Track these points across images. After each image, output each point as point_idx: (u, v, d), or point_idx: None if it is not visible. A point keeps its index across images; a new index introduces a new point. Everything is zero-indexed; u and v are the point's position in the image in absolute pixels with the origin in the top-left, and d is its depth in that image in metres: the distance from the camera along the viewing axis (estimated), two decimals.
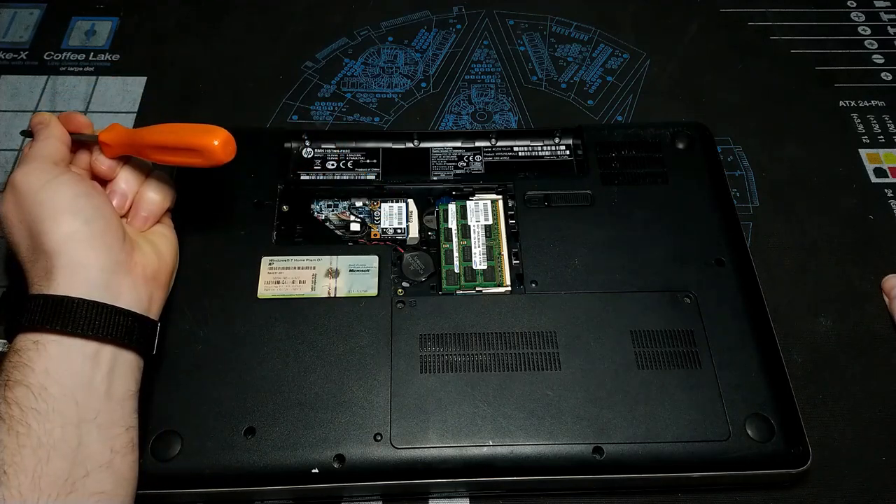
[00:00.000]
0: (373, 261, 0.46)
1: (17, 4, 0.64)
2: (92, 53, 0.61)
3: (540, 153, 0.53)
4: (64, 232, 0.37)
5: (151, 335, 0.38)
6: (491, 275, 0.46)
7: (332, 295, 0.44)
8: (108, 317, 0.36)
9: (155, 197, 0.43)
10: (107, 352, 0.36)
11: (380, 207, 0.49)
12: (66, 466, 0.33)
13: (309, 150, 0.52)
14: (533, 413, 0.40)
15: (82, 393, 0.34)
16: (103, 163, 0.42)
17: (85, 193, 0.39)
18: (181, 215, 0.47)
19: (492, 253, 0.47)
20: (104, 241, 0.37)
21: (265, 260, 0.45)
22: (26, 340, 0.34)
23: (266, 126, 0.57)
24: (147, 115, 0.57)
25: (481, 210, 0.49)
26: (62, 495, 0.32)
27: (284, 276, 0.45)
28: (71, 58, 0.61)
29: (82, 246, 0.37)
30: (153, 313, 0.39)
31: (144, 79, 0.60)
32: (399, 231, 0.48)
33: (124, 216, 0.42)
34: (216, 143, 0.39)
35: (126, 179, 0.43)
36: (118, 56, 0.61)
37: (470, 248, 0.47)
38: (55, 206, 0.37)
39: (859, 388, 0.45)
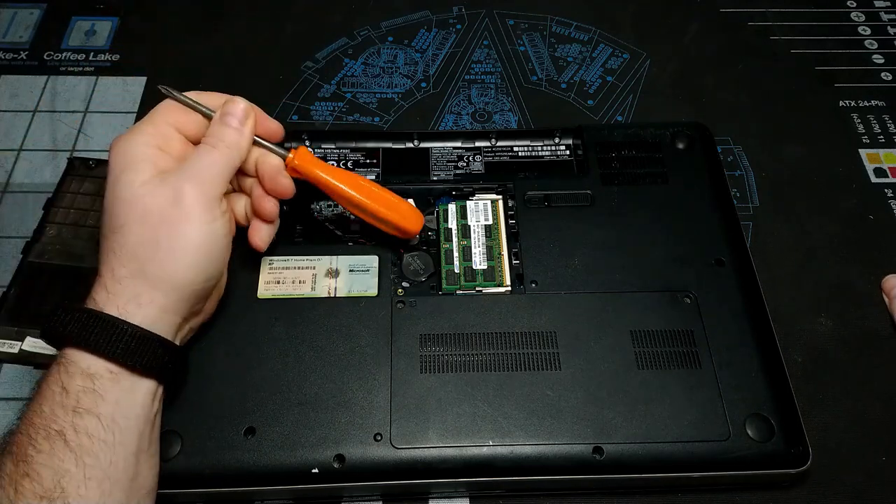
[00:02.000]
0: (373, 261, 0.46)
1: (17, 4, 0.64)
2: (92, 53, 0.61)
3: (540, 153, 0.53)
4: (181, 280, 0.36)
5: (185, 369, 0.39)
6: (491, 275, 0.46)
7: (332, 295, 0.44)
8: (172, 359, 0.36)
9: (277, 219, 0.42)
10: (161, 389, 0.36)
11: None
12: (124, 498, 0.33)
13: (309, 149, 0.52)
14: (533, 413, 0.40)
15: (144, 426, 0.35)
16: (286, 187, 0.40)
17: (221, 250, 0.37)
18: None
19: (492, 253, 0.47)
20: (199, 295, 0.37)
21: (265, 260, 0.45)
22: (100, 367, 0.34)
23: None
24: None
25: (481, 210, 0.49)
26: None
27: (284, 276, 0.45)
28: (71, 58, 0.61)
29: (178, 296, 0.36)
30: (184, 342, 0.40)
31: (144, 79, 0.60)
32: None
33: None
34: (413, 230, 0.44)
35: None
36: (118, 56, 0.61)
37: (470, 248, 0.47)
38: (190, 253, 0.36)
39: (859, 388, 0.45)
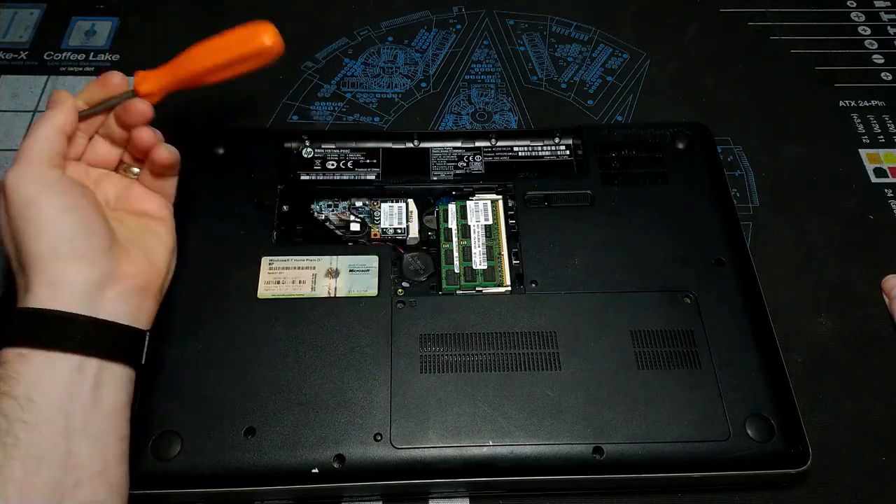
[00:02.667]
0: (373, 261, 0.46)
1: (17, 4, 0.64)
2: (92, 53, 0.61)
3: (540, 153, 0.53)
4: (45, 250, 0.36)
5: (139, 346, 0.38)
6: (491, 275, 0.46)
7: (332, 295, 0.44)
8: (91, 331, 0.36)
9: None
10: (92, 364, 0.35)
11: (380, 207, 0.49)
12: (56, 476, 0.33)
13: (309, 150, 0.52)
14: (533, 413, 0.40)
15: (70, 404, 0.34)
16: (142, 111, 0.41)
17: (73, 206, 0.37)
18: (181, 215, 0.47)
19: (492, 253, 0.47)
20: (88, 256, 0.37)
21: (265, 260, 0.45)
22: (11, 353, 0.34)
23: (266, 126, 0.57)
24: None
25: (481, 210, 0.49)
26: None
27: (284, 276, 0.45)
28: (71, 58, 0.61)
29: (64, 264, 0.36)
30: (142, 323, 0.39)
31: None
32: (399, 231, 0.48)
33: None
34: (267, 40, 0.42)
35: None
36: (118, 56, 0.61)
37: (470, 248, 0.47)
38: (39, 223, 0.36)
39: (859, 388, 0.45)
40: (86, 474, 0.34)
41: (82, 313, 0.36)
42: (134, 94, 0.41)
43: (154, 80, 0.41)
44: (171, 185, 0.45)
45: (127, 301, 0.38)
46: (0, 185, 0.38)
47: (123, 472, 0.36)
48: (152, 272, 0.40)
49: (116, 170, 0.43)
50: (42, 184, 0.37)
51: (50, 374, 0.34)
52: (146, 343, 0.38)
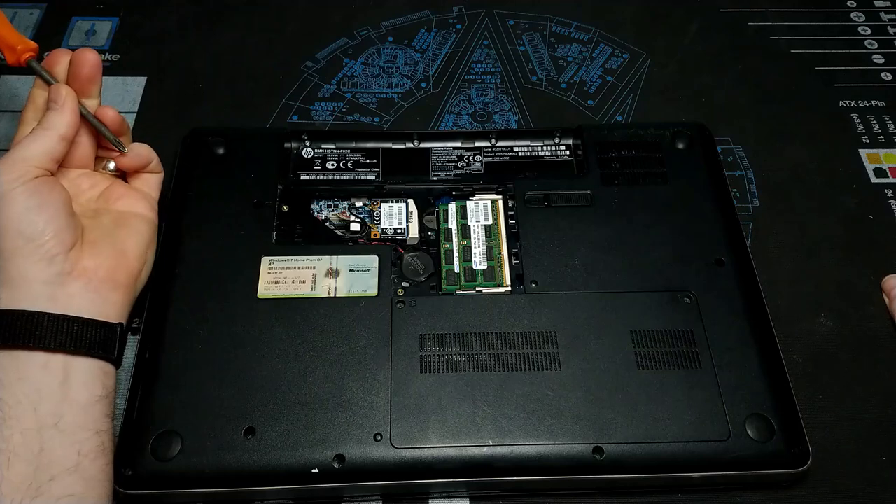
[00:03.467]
0: (373, 261, 0.46)
1: (17, 4, 0.64)
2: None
3: (540, 153, 0.53)
4: (7, 247, 0.36)
5: (110, 339, 0.38)
6: (491, 275, 0.46)
7: (332, 295, 0.44)
8: (52, 327, 0.36)
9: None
10: (57, 360, 0.36)
11: (380, 207, 0.49)
12: (29, 471, 0.33)
13: (309, 150, 0.52)
14: (533, 413, 0.40)
15: (38, 400, 0.34)
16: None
17: (37, 206, 0.37)
18: (182, 215, 0.47)
19: (492, 253, 0.47)
20: (47, 254, 0.37)
21: (265, 260, 0.45)
22: None
23: (266, 126, 0.57)
24: (147, 115, 0.57)
25: (481, 210, 0.49)
26: (27, 499, 0.32)
27: (284, 276, 0.45)
28: None
29: (23, 262, 0.36)
30: (112, 316, 0.39)
31: (144, 79, 0.60)
32: (399, 231, 0.48)
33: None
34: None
35: None
36: (118, 56, 0.61)
37: (470, 248, 0.47)
38: (5, 220, 0.37)
39: (859, 388, 0.45)
40: (60, 469, 0.34)
41: (43, 310, 0.36)
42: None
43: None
44: (153, 182, 0.45)
45: (92, 294, 0.38)
46: None
47: (101, 467, 0.36)
48: (120, 265, 0.40)
49: (95, 168, 0.44)
50: (17, 182, 0.37)
51: (15, 370, 0.35)
52: (118, 335, 0.38)
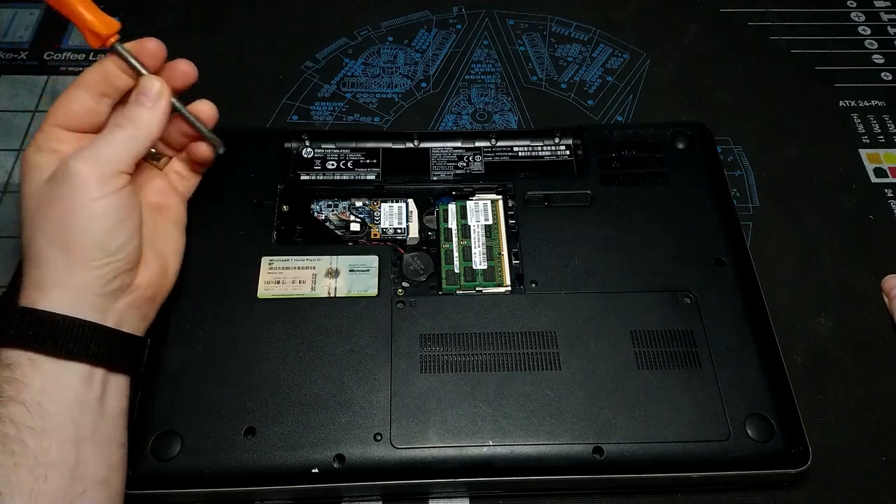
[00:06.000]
0: (373, 261, 0.46)
1: (17, 4, 0.64)
2: (92, 53, 0.61)
3: (540, 153, 0.53)
4: (77, 257, 0.35)
5: (141, 354, 0.38)
6: (491, 275, 0.46)
7: (332, 295, 0.44)
8: (101, 340, 0.35)
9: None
10: (99, 373, 0.35)
11: (380, 207, 0.49)
12: (65, 484, 0.32)
13: (309, 150, 0.52)
14: (533, 413, 0.40)
15: (78, 411, 0.34)
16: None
17: (120, 221, 0.36)
18: None
19: (492, 253, 0.47)
20: (118, 270, 0.36)
21: (265, 260, 0.45)
22: (18, 356, 0.33)
23: (266, 126, 0.57)
24: None
25: (481, 210, 0.49)
26: None
27: (284, 276, 0.45)
28: (71, 58, 0.61)
29: (90, 273, 0.35)
30: (142, 330, 0.39)
31: None
32: (399, 231, 0.48)
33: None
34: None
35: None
36: None
37: (470, 248, 0.47)
38: (89, 233, 0.35)
39: (859, 388, 0.45)
40: (91, 482, 0.34)
41: (94, 321, 0.35)
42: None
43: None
44: (193, 184, 0.44)
45: (135, 311, 0.38)
46: (60, 168, 0.36)
47: (122, 479, 0.36)
48: (162, 283, 0.40)
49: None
50: (103, 192, 0.35)
51: (59, 380, 0.34)
52: (146, 351, 0.38)
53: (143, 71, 0.38)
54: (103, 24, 0.37)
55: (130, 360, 0.37)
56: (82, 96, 0.38)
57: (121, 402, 0.36)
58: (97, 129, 0.38)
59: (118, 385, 0.36)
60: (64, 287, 0.35)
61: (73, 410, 0.34)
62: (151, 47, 0.39)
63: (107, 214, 0.35)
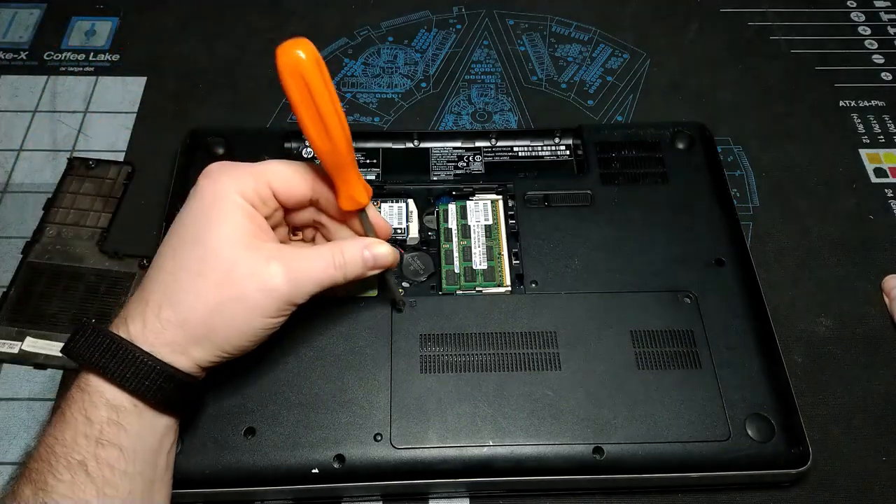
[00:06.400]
0: None
1: (17, 4, 0.64)
2: (92, 53, 0.61)
3: (540, 153, 0.53)
4: (215, 344, 0.35)
5: None
6: (491, 275, 0.46)
7: (332, 295, 0.44)
8: (193, 397, 0.36)
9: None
10: (174, 423, 0.36)
11: (380, 207, 0.49)
12: None
13: (309, 150, 0.52)
14: (533, 413, 0.40)
15: (157, 454, 0.35)
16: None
17: (267, 336, 0.36)
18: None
19: (492, 253, 0.47)
20: (229, 359, 0.36)
21: None
22: (127, 400, 0.33)
23: (266, 126, 0.57)
24: (147, 115, 0.57)
25: (481, 210, 0.49)
26: None
27: None
28: (71, 58, 0.61)
29: (212, 355, 0.35)
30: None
31: (144, 79, 0.60)
32: (399, 231, 0.48)
33: None
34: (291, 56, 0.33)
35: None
36: (118, 56, 0.61)
37: (470, 248, 0.47)
38: (248, 338, 0.35)
39: (859, 388, 0.45)
40: None
41: (192, 383, 0.35)
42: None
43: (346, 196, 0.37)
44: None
45: (211, 367, 0.37)
46: (259, 264, 0.35)
47: None
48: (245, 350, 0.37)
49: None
50: (283, 315, 0.36)
51: (153, 429, 0.34)
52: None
53: (371, 234, 0.39)
54: (366, 192, 0.38)
55: (195, 409, 0.39)
56: (308, 185, 0.37)
57: (175, 443, 0.37)
58: (274, 221, 0.38)
59: (178, 429, 0.37)
60: (186, 357, 0.35)
61: (155, 455, 0.34)
62: (385, 231, 0.41)
63: (264, 331, 0.36)
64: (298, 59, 0.32)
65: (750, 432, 0.40)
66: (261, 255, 0.35)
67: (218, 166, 0.36)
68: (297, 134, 0.52)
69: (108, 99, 0.58)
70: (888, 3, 0.66)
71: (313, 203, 0.39)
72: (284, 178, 0.37)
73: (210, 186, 0.35)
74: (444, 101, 0.59)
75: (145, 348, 0.33)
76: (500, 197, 0.50)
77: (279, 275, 0.35)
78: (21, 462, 0.33)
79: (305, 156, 0.52)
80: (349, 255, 0.37)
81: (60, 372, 0.46)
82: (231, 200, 0.35)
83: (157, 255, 0.36)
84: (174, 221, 0.36)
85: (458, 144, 0.53)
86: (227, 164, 0.36)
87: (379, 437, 0.39)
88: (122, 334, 0.34)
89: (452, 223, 0.48)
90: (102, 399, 0.33)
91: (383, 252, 0.39)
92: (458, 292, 0.45)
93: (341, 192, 0.37)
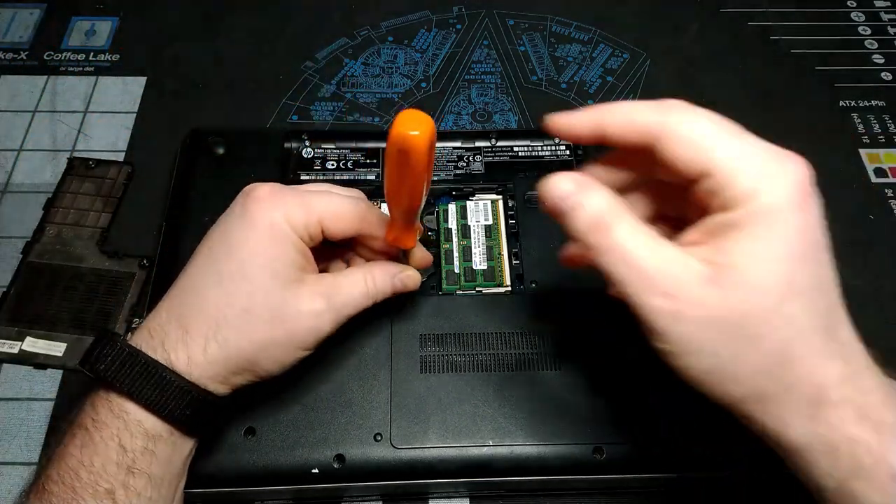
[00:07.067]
0: None
1: (17, 4, 0.64)
2: (92, 53, 0.61)
3: (540, 153, 0.53)
4: (259, 376, 0.35)
5: None
6: (491, 275, 0.46)
7: None
8: (216, 419, 0.36)
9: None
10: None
11: (380, 207, 0.49)
12: None
13: (309, 150, 0.52)
14: (533, 413, 0.40)
15: (181, 479, 0.35)
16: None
17: (295, 363, 0.36)
18: (182, 215, 0.47)
19: (492, 253, 0.47)
20: (254, 382, 0.36)
21: None
22: (163, 428, 0.33)
23: (266, 126, 0.57)
24: (147, 115, 0.57)
25: (481, 210, 0.49)
26: None
27: None
28: (71, 58, 0.61)
29: (239, 380, 0.35)
30: None
31: (144, 79, 0.60)
32: None
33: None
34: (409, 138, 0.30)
35: None
36: (118, 56, 0.61)
37: (470, 248, 0.47)
38: (284, 366, 0.35)
39: None
40: None
41: (220, 398, 0.35)
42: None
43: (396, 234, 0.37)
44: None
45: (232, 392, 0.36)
46: (307, 300, 0.35)
47: None
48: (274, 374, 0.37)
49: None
50: (315, 345, 0.36)
51: (181, 454, 0.34)
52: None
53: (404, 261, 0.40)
54: (416, 235, 0.38)
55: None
56: (356, 224, 0.37)
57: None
58: (321, 254, 0.38)
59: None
60: (225, 385, 0.35)
61: (179, 479, 0.35)
62: (424, 262, 0.41)
63: (299, 361, 0.36)
64: (414, 142, 0.30)
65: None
66: (308, 292, 0.35)
67: (268, 191, 0.35)
68: (297, 134, 0.52)
69: (108, 99, 0.58)
70: (888, 3, 0.66)
71: (355, 236, 0.38)
72: (335, 215, 0.36)
73: (261, 214, 0.34)
74: (444, 101, 0.59)
75: (191, 380, 0.33)
76: (500, 197, 0.50)
77: (325, 312, 0.35)
78: (35, 478, 0.32)
79: (305, 156, 0.52)
80: (380, 284, 0.38)
81: (60, 372, 0.46)
82: (283, 233, 0.34)
83: (195, 273, 0.35)
84: (214, 238, 0.35)
85: (458, 144, 0.53)
86: (276, 190, 0.35)
87: (379, 437, 0.39)
88: (162, 360, 0.33)
89: (452, 223, 0.48)
90: (141, 429, 0.32)
91: (412, 276, 0.39)
92: (458, 292, 0.45)
93: (392, 229, 0.37)
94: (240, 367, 0.34)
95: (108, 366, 0.32)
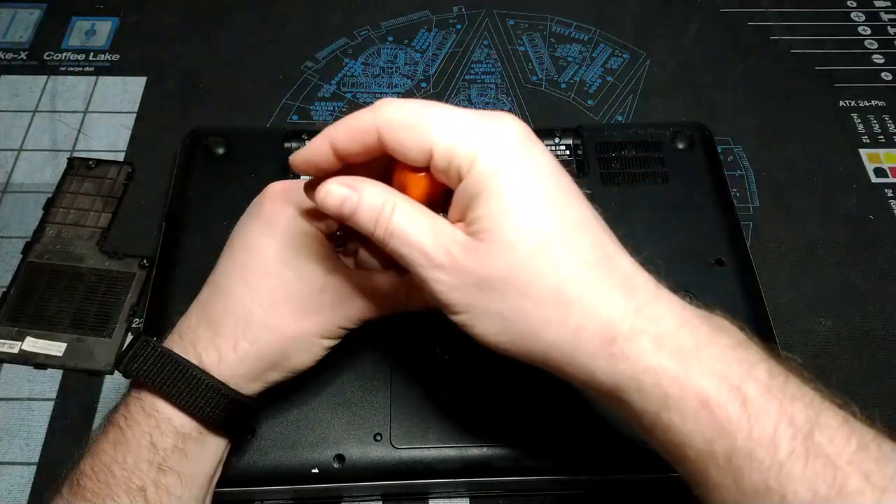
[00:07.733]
0: None
1: (17, 4, 0.64)
2: (92, 53, 0.61)
3: None
4: (277, 380, 0.36)
5: None
6: None
7: None
8: (249, 418, 0.37)
9: None
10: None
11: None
12: None
13: None
14: (533, 413, 0.40)
15: (212, 480, 0.35)
16: None
17: (315, 362, 0.36)
18: (182, 215, 0.47)
19: None
20: (278, 382, 0.36)
21: None
22: (193, 428, 0.33)
23: (266, 126, 0.57)
24: (147, 115, 0.57)
25: None
26: None
27: None
28: (71, 58, 0.61)
29: (266, 379, 0.35)
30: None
31: (144, 79, 0.60)
32: None
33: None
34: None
35: None
36: (118, 56, 0.61)
37: None
38: (291, 364, 0.35)
39: (859, 389, 0.45)
40: None
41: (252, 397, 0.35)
42: None
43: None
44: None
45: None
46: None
47: None
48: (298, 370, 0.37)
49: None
50: (331, 345, 0.36)
51: (212, 454, 0.35)
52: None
53: None
54: None
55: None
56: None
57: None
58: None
59: None
60: (257, 380, 0.35)
61: (209, 479, 0.35)
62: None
63: (323, 352, 0.36)
64: None
65: None
66: (330, 283, 0.35)
67: (281, 188, 0.36)
68: (297, 134, 0.52)
69: (108, 99, 0.58)
70: (888, 3, 0.66)
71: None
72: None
73: (276, 210, 0.35)
74: (444, 101, 0.59)
75: (221, 379, 0.33)
76: None
77: (346, 300, 0.35)
78: (69, 472, 0.33)
79: None
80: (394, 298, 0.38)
81: (60, 372, 0.46)
82: (299, 226, 0.35)
83: (220, 275, 0.35)
84: (235, 240, 0.36)
85: None
86: (290, 185, 0.36)
87: (379, 437, 0.39)
88: (194, 360, 0.33)
89: None
90: (171, 427, 0.33)
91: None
92: None
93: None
94: (271, 363, 0.34)
95: (140, 365, 0.33)
